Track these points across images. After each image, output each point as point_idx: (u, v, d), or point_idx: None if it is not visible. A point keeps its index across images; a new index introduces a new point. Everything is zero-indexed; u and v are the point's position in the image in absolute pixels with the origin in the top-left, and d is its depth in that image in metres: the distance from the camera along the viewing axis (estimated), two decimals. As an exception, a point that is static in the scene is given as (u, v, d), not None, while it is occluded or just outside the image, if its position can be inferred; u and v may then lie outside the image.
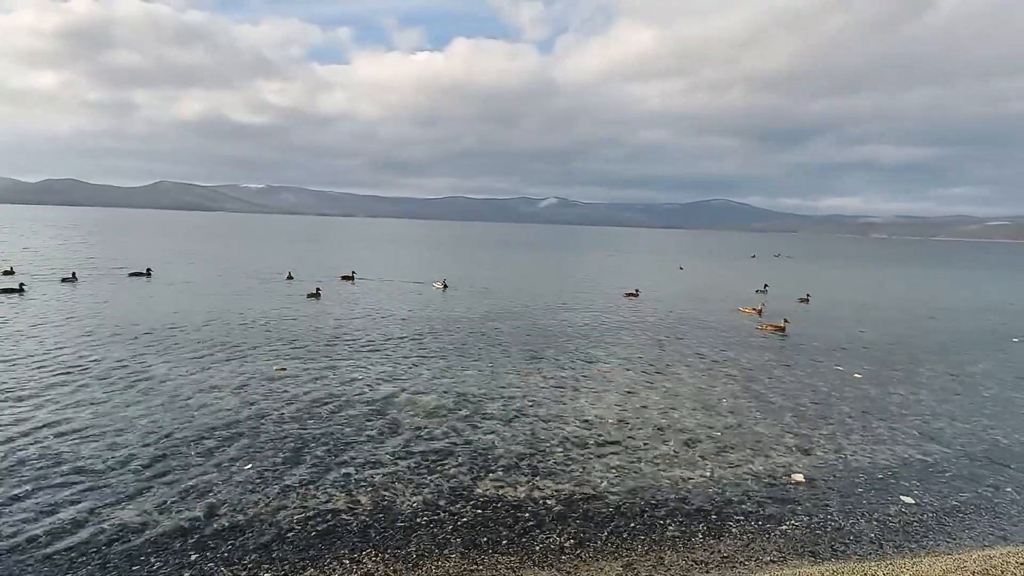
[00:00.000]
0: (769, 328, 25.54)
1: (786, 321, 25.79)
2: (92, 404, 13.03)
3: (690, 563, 8.10)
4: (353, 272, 40.79)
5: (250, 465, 10.40)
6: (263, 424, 12.33)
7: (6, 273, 35.13)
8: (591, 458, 11.32)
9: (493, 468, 10.75)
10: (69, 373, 15.29)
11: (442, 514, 9.08)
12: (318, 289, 32.30)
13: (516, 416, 13.50)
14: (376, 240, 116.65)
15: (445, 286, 37.06)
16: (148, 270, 38.25)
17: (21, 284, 29.47)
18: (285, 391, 14.58)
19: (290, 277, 39.01)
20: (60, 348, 17.84)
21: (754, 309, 30.32)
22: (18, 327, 20.84)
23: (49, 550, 7.75)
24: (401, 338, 21.49)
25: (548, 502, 9.58)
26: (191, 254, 59.32)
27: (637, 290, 37.44)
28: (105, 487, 9.41)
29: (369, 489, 9.73)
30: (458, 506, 9.33)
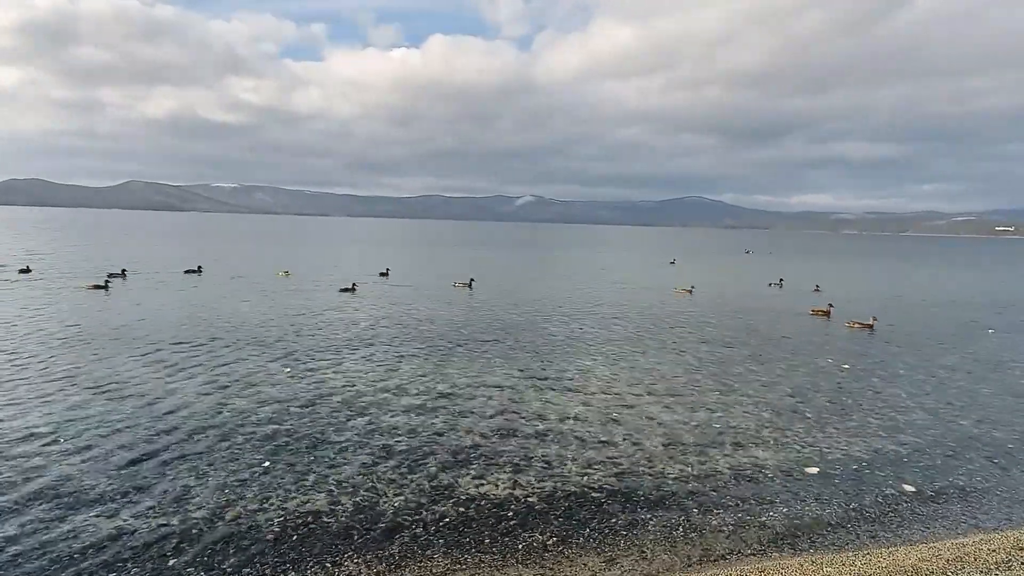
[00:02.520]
0: (857, 325, 26.09)
1: (875, 319, 26.27)
2: (64, 407, 12.75)
3: (672, 557, 8.16)
4: (388, 269, 43.46)
5: (229, 468, 10.22)
6: (243, 426, 12.12)
7: (22, 272, 36.50)
8: (576, 454, 11.35)
9: (475, 466, 10.71)
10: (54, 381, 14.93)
11: (424, 514, 9.02)
12: (354, 284, 34.08)
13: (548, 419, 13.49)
14: (369, 239, 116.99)
15: (471, 285, 37.42)
16: (199, 267, 41.27)
17: (107, 281, 31.19)
18: (271, 392, 14.37)
19: (287, 274, 40.68)
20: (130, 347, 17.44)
21: (823, 310, 29.82)
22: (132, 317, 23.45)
23: (23, 560, 7.55)
24: (413, 337, 21.42)
25: (531, 499, 9.58)
26: (211, 253, 60.70)
27: (692, 287, 37.77)
28: (79, 493, 9.18)
29: (350, 490, 9.64)
30: (440, 505, 9.29)
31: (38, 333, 20.11)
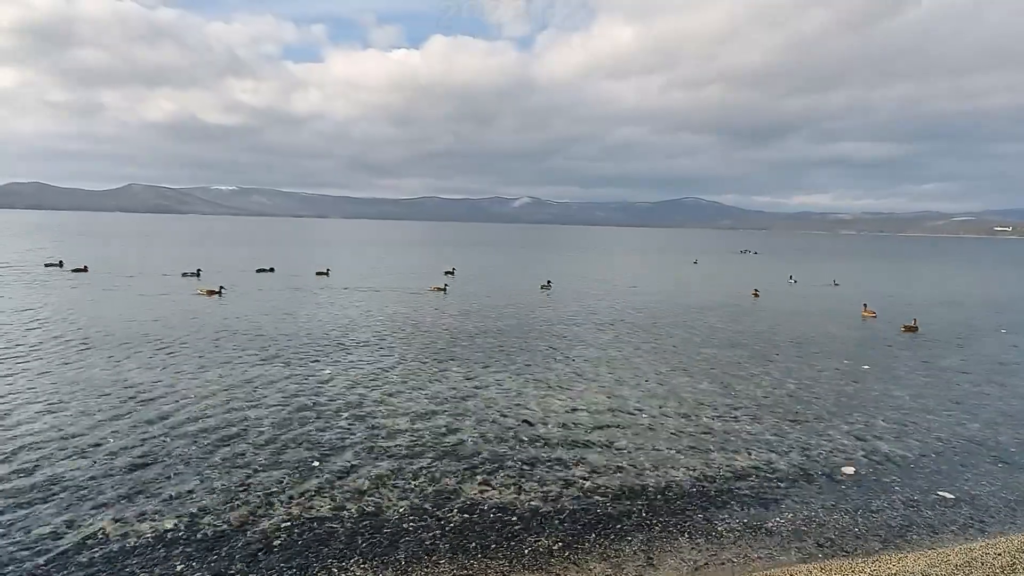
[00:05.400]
0: (901, 328, 26.23)
1: (915, 321, 26.29)
2: (79, 413, 12.71)
3: (678, 562, 8.12)
4: (453, 268, 47.89)
5: (236, 473, 10.19)
6: (250, 431, 12.09)
7: (76, 271, 38.77)
8: (583, 457, 11.33)
9: (479, 471, 10.67)
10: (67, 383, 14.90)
11: (429, 519, 8.99)
12: (446, 285, 36.37)
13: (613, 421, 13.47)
14: (398, 241, 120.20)
15: (549, 286, 38.99)
16: (272, 267, 45.38)
17: (221, 287, 32.36)
18: (279, 395, 14.34)
19: (325, 273, 42.72)
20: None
21: (872, 313, 29.83)
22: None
23: (31, 562, 7.51)
24: (501, 339, 21.95)
25: (535, 504, 9.54)
26: (248, 253, 64.71)
27: (757, 291, 39.02)
28: (86, 496, 9.14)
29: (355, 496, 9.60)
30: (445, 511, 9.25)
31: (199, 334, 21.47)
